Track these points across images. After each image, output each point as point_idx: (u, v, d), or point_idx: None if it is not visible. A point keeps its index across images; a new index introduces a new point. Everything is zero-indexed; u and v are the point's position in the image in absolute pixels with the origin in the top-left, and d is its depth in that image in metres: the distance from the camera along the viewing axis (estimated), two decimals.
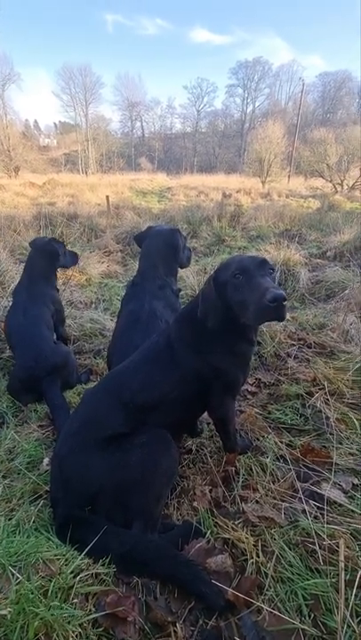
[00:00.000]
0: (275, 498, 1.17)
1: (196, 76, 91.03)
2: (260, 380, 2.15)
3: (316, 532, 0.99)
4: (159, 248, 1.82)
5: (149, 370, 1.18)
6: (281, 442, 1.47)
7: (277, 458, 1.39)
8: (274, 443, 1.47)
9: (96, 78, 47.78)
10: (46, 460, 1.34)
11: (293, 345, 2.55)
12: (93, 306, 3.85)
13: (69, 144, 51.07)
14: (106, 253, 5.99)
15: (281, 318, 1.01)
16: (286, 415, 1.69)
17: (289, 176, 24.49)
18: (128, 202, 12.84)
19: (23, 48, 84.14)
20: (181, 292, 2.99)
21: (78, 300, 3.86)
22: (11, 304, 2.20)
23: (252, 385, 2.11)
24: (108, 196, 8.82)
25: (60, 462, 1.08)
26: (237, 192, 17.12)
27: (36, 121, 64.63)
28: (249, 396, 2.00)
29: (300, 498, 1.14)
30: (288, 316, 3.32)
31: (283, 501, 1.15)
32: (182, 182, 23.90)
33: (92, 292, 4.24)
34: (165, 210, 11.36)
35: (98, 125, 48.97)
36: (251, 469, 1.32)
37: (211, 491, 1.24)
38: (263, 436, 1.53)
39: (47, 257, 2.34)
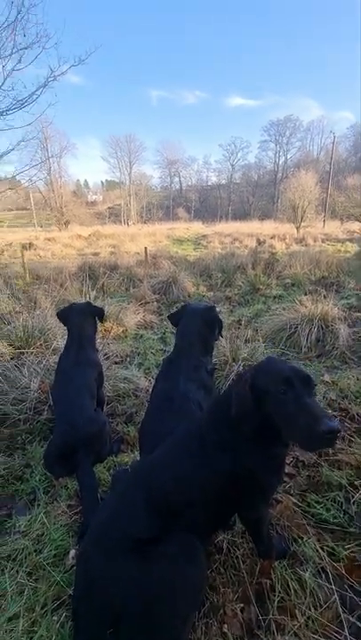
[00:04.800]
0: (316, 631, 1.03)
1: (230, 135, 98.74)
2: (297, 458, 2.01)
3: None
4: (197, 326, 1.84)
5: (179, 467, 1.15)
6: (322, 548, 1.32)
7: (318, 571, 1.24)
8: (314, 549, 1.32)
9: (140, 143, 53.80)
10: (72, 553, 1.31)
11: (334, 416, 2.38)
12: (128, 359, 3.91)
13: (114, 199, 56.43)
14: (142, 304, 6.22)
15: (331, 447, 0.98)
16: (328, 511, 1.53)
17: (324, 221, 24.63)
18: (165, 251, 13.52)
19: (79, 121, 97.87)
20: (215, 360, 2.98)
21: (114, 353, 3.95)
22: (57, 368, 2.26)
23: (289, 464, 1.96)
24: (146, 248, 9.39)
25: (86, 570, 1.04)
26: (272, 238, 17.42)
27: (85, 180, 72.73)
28: (286, 479, 1.86)
29: (346, 636, 0.99)
30: (328, 378, 3.15)
31: (325, 637, 1.01)
32: (217, 229, 24.92)
33: (128, 345, 4.34)
34: (200, 258, 11.76)
35: (140, 182, 53.96)
36: (288, 585, 1.18)
37: (243, 610, 1.12)
38: (301, 538, 1.39)
39: (92, 320, 2.45)
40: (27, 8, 3.06)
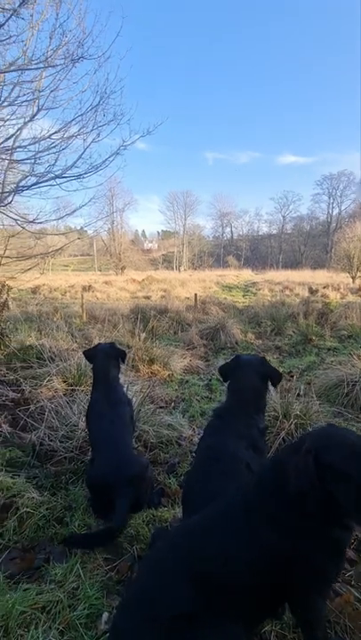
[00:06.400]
0: None
1: (282, 188, 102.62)
2: (360, 540, 1.74)
3: None
4: (250, 381, 1.74)
5: (222, 540, 1.05)
6: None
7: None
8: None
9: (195, 198, 58.24)
10: (105, 617, 1.22)
11: None
12: (173, 405, 3.85)
13: (168, 247, 60.47)
14: (189, 349, 6.24)
15: None
16: None
17: None
18: (214, 297, 13.75)
19: (142, 180, 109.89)
20: (266, 414, 2.81)
21: (159, 397, 3.92)
22: (91, 406, 2.26)
23: (350, 547, 1.71)
24: (196, 294, 9.64)
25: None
26: (325, 287, 16.89)
27: (143, 230, 79.27)
28: (346, 565, 1.60)
29: None
30: None
31: None
32: (267, 277, 24.92)
33: (173, 390, 4.31)
34: (249, 305, 11.72)
35: (193, 232, 57.50)
36: None
37: None
38: None
39: (115, 361, 2.48)
40: (107, 94, 3.76)
